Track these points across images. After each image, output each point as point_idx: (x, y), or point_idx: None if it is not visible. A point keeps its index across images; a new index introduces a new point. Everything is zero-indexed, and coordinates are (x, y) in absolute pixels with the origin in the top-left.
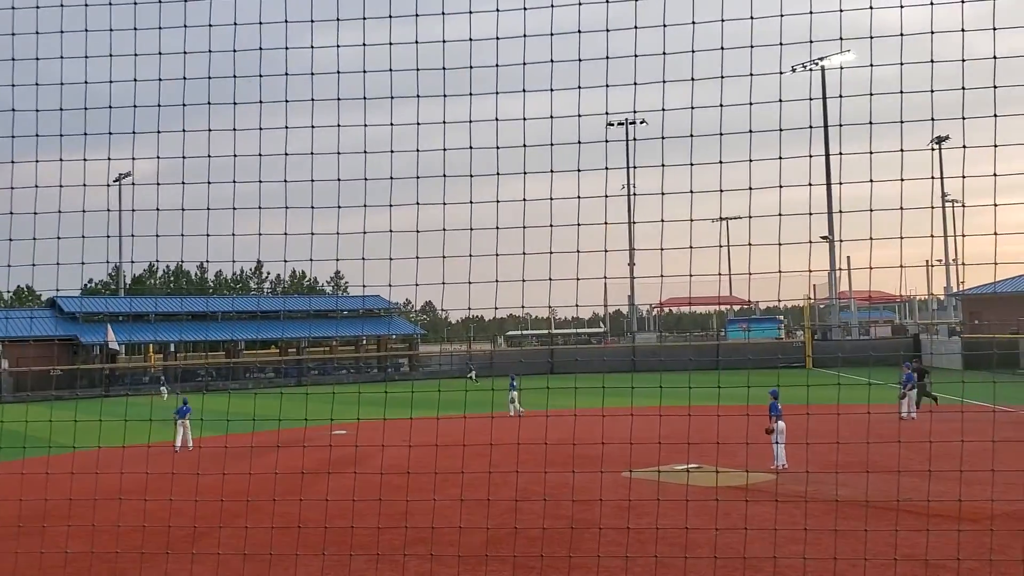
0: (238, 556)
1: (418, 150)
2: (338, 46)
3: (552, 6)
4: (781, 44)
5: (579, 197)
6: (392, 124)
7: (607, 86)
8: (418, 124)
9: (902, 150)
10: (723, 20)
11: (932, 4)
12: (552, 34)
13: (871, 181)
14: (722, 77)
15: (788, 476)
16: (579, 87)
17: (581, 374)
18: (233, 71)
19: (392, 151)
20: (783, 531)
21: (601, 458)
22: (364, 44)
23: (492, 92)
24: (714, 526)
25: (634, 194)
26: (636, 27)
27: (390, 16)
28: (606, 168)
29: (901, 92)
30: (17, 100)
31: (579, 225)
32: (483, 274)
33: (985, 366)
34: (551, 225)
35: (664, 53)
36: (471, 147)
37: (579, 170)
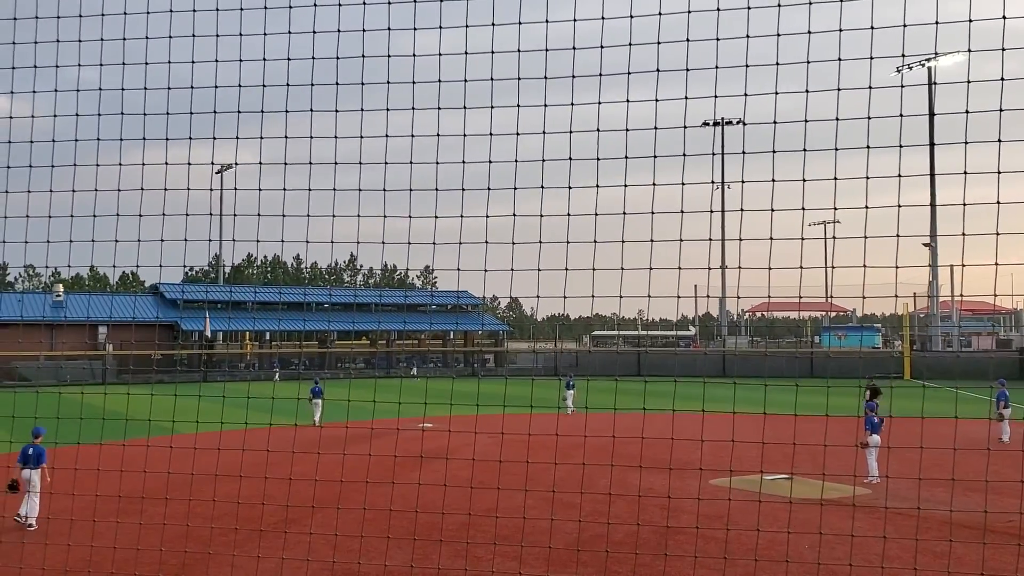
0: (328, 540)
1: (517, 140)
2: (440, 28)
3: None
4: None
5: (683, 184)
6: (492, 107)
7: (716, 79)
8: (519, 112)
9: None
10: (840, 30)
11: None
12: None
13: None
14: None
15: (890, 492)
16: (686, 79)
17: (670, 378)
18: (335, 59)
19: (492, 137)
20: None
21: (699, 462)
22: (466, 25)
23: (595, 75)
24: (815, 538)
25: (729, 186)
26: (749, 35)
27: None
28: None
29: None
30: (126, 102)
31: (682, 214)
32: (573, 275)
33: None
34: (652, 212)
35: (777, 64)
36: (571, 138)
37: (684, 156)
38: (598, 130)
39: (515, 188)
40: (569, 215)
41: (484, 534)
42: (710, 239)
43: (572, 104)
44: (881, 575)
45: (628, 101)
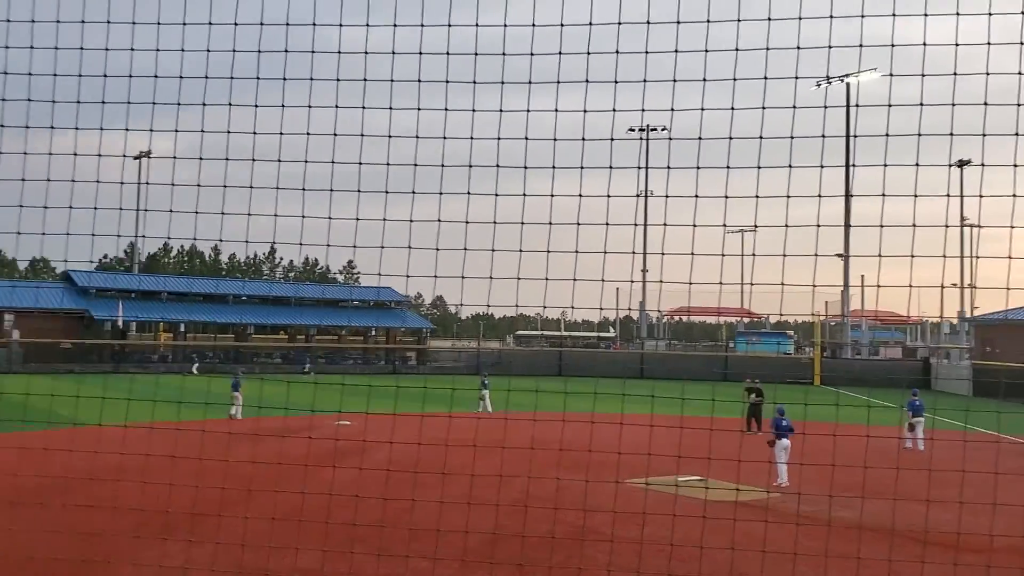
0: (236, 544)
1: (444, 137)
2: (368, 25)
3: (591, 24)
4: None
5: (608, 196)
6: (419, 109)
7: (644, 82)
8: (446, 110)
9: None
10: (767, 49)
11: (957, 15)
12: (592, 24)
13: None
14: (758, 82)
15: (791, 496)
16: (615, 81)
17: (590, 377)
18: (258, 46)
19: (417, 136)
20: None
21: (616, 464)
22: (395, 24)
23: (524, 81)
24: (700, 541)
25: (650, 195)
26: (677, 50)
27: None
28: (640, 167)
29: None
30: (35, 65)
31: (608, 224)
32: (498, 271)
33: (994, 394)
34: (577, 223)
35: (704, 80)
36: (498, 138)
37: (610, 167)
38: (526, 138)
39: (440, 193)
40: (495, 223)
41: (398, 533)
42: (633, 252)
43: (501, 111)
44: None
45: (556, 111)
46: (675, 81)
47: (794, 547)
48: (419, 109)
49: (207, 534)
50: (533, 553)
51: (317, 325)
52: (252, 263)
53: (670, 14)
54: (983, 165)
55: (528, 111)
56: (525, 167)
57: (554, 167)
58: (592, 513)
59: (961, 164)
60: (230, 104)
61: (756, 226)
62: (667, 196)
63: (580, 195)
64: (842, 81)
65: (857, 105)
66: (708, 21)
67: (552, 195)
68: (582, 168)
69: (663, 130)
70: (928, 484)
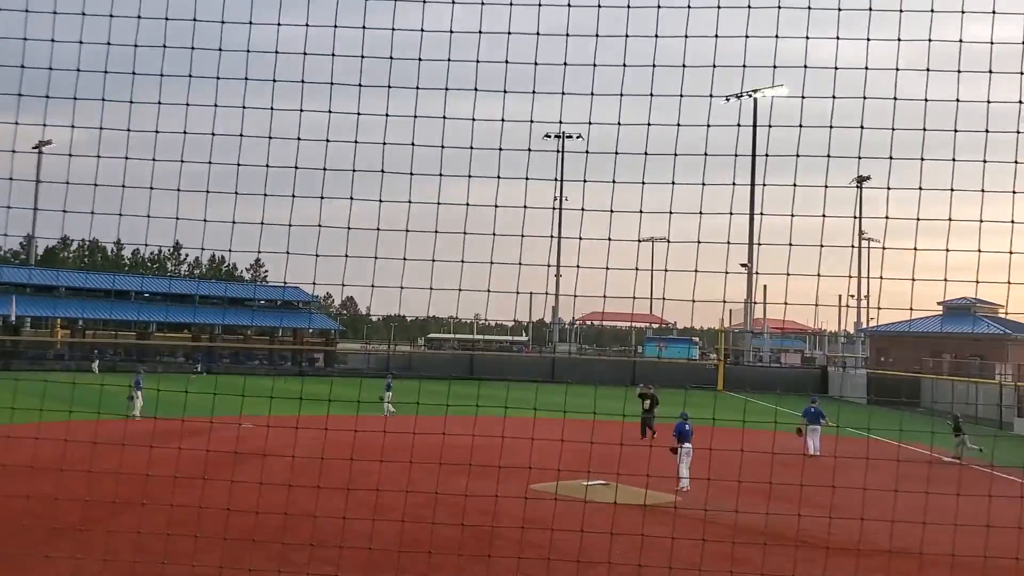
0: (129, 548)
1: (356, 141)
2: (279, 24)
3: (510, 34)
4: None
5: (524, 207)
6: (330, 112)
7: (562, 93)
8: (358, 114)
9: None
10: (686, 66)
11: (868, 40)
12: (509, 33)
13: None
14: (678, 95)
15: (692, 499)
16: (533, 91)
17: (501, 380)
18: (163, 40)
19: (328, 140)
20: (680, 547)
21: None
22: (307, 24)
23: (441, 88)
24: (608, 546)
25: (566, 206)
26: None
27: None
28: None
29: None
30: None
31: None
32: (409, 275)
33: (889, 402)
34: (494, 233)
35: (621, 95)
36: (413, 143)
37: (527, 178)
38: (442, 146)
39: (351, 199)
40: (407, 231)
41: (300, 537)
42: (548, 264)
43: (415, 116)
44: None
45: (473, 120)
46: (592, 95)
47: (701, 551)
48: (330, 112)
49: (96, 544)
50: (439, 560)
51: (222, 324)
52: (156, 259)
53: (589, 27)
54: (888, 188)
55: (444, 117)
56: (440, 174)
57: (470, 176)
58: (500, 519)
59: (860, 181)
60: (131, 101)
61: (668, 240)
62: (583, 209)
63: (496, 205)
64: (750, 96)
65: (769, 125)
66: (626, 36)
67: (467, 204)
68: (499, 178)
69: (579, 137)
70: (832, 492)
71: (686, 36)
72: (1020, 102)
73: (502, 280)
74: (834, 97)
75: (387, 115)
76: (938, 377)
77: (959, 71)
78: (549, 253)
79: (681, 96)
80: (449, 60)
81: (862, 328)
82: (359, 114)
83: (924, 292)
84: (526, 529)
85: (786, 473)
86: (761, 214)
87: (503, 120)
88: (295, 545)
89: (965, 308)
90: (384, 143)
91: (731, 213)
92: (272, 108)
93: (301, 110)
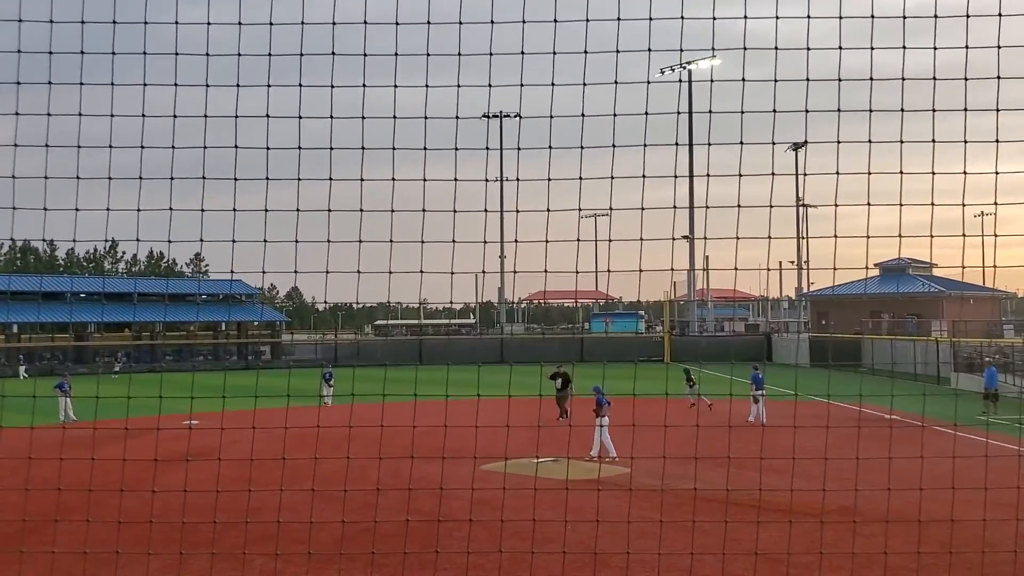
0: (68, 555)
1: (301, 117)
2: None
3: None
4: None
5: (455, 180)
6: (269, 85)
7: (489, 86)
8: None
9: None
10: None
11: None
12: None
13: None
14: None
15: (639, 469)
16: (458, 80)
17: (450, 365)
18: (81, 15)
19: (269, 116)
20: (635, 524)
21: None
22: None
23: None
24: (564, 519)
25: (506, 180)
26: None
27: None
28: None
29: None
30: None
31: (455, 211)
32: (351, 261)
33: (829, 365)
34: (423, 210)
35: (554, 56)
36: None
37: (456, 148)
38: (362, 118)
39: (267, 179)
40: (329, 211)
41: (238, 536)
42: (484, 241)
43: (331, 86)
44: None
45: (395, 87)
46: (522, 83)
47: (660, 517)
48: (238, 86)
49: (26, 550)
50: (386, 544)
51: (162, 321)
52: (92, 258)
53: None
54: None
55: (364, 86)
56: (363, 148)
57: (393, 148)
58: (447, 501)
59: (796, 147)
60: (49, 82)
61: (610, 208)
62: (519, 179)
63: (424, 179)
64: (684, 68)
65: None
66: (555, 21)
67: (393, 179)
68: (425, 149)
69: (515, 116)
70: (761, 453)
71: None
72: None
73: (445, 263)
74: (778, 80)
75: (300, 98)
76: (877, 337)
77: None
78: (486, 231)
79: (616, 78)
80: (366, 54)
81: (803, 293)
82: (301, 86)
83: (859, 254)
84: (474, 508)
85: (719, 439)
86: (707, 175)
87: (426, 117)
88: (234, 544)
89: (900, 269)
90: (299, 117)
91: (675, 176)
92: (206, 84)
93: (207, 85)
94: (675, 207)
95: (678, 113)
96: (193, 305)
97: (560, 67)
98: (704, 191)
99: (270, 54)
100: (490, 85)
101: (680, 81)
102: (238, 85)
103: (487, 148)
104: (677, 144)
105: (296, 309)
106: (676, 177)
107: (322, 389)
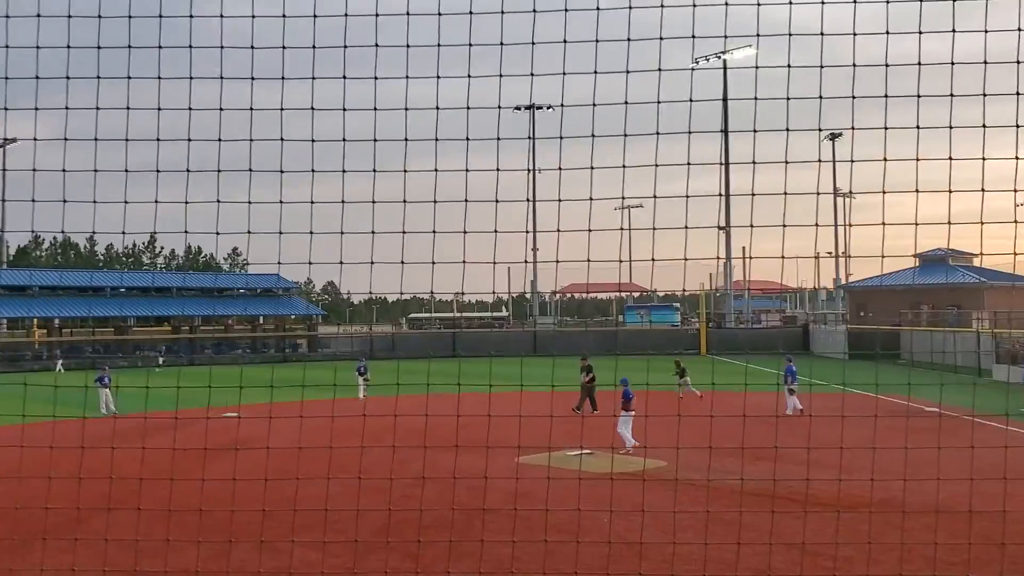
0: (113, 542)
1: (312, 107)
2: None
3: None
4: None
5: (498, 170)
6: (313, 82)
7: (531, 75)
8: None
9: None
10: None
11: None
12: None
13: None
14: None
15: (684, 463)
16: (500, 72)
17: (485, 357)
18: (128, 11)
19: (314, 111)
20: (677, 516)
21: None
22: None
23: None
24: (608, 510)
25: (539, 171)
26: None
27: None
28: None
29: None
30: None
31: (497, 201)
32: (387, 255)
33: (869, 356)
34: (465, 200)
35: (600, 41)
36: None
37: (497, 138)
38: (405, 110)
39: (312, 171)
40: (374, 202)
41: (283, 525)
42: (526, 231)
43: (376, 79)
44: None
45: (437, 108)
46: (564, 73)
47: (706, 512)
48: (313, 80)
49: (80, 537)
50: (429, 534)
51: (202, 315)
52: (131, 253)
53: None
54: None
55: (408, 78)
56: (406, 139)
57: (436, 139)
58: (489, 492)
59: (833, 136)
60: (98, 77)
61: (655, 196)
62: (560, 168)
63: (466, 169)
64: (719, 57)
65: (755, 95)
66: (597, 8)
67: (436, 170)
68: (467, 139)
69: (549, 108)
70: (808, 446)
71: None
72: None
73: (479, 256)
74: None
75: (344, 100)
76: (916, 328)
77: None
78: (526, 223)
79: (660, 65)
80: (409, 45)
81: (841, 284)
82: (314, 79)
83: (899, 244)
84: (517, 499)
85: (761, 432)
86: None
87: (468, 108)
88: (278, 533)
89: (940, 259)
90: (343, 109)
91: (721, 163)
92: (252, 78)
93: (252, 78)
94: (721, 194)
95: (723, 99)
96: (232, 299)
97: (586, 58)
98: (740, 182)
99: (313, 46)
100: (532, 74)
101: (724, 68)
102: (283, 78)
103: (531, 137)
104: (725, 131)
105: (332, 303)
106: (722, 164)
107: (357, 381)
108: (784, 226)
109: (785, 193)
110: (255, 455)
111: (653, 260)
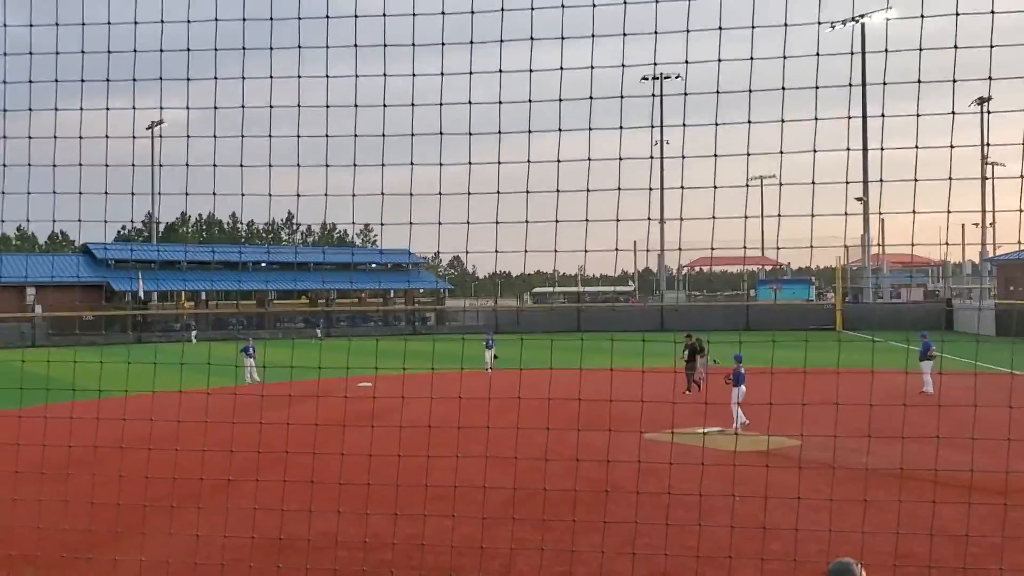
0: (251, 510)
1: (440, 104)
2: None
3: None
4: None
5: (620, 156)
6: (442, 73)
7: (655, 33)
8: (442, 74)
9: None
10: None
11: None
12: None
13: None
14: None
15: (810, 443)
16: (623, 33)
17: (609, 332)
18: (270, 14)
19: (441, 103)
20: (805, 500)
21: (640, 418)
22: None
23: (526, 38)
24: (732, 491)
25: (666, 144)
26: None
27: None
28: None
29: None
30: (36, 42)
31: (619, 189)
32: (513, 231)
33: (1018, 333)
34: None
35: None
36: (499, 101)
37: (621, 127)
38: (529, 101)
39: (440, 164)
40: (498, 192)
41: (416, 493)
42: (650, 188)
43: (500, 71)
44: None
45: (561, 68)
46: (688, 31)
47: (830, 493)
48: (413, 75)
49: (222, 503)
50: (555, 509)
51: (337, 289)
52: (271, 229)
53: None
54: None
55: (531, 70)
56: (529, 131)
57: (560, 130)
58: (614, 468)
59: (981, 102)
60: (243, 77)
61: (781, 183)
62: (683, 156)
63: (589, 159)
64: (857, 22)
65: (885, 50)
66: None
67: (559, 160)
68: (590, 129)
69: (677, 78)
70: (938, 424)
71: None
72: None
73: (602, 233)
74: (957, 14)
75: (471, 72)
76: None
77: None
78: (650, 204)
79: (786, 25)
80: (532, 8)
81: (988, 258)
82: (442, 74)
83: None
84: (641, 478)
85: (895, 414)
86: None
87: (592, 67)
88: (412, 497)
89: None
90: (469, 102)
91: (848, 149)
92: (356, 75)
93: (385, 75)
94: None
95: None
96: (364, 273)
97: (710, 30)
98: (884, 154)
99: (442, 41)
100: (657, 40)
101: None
102: (384, 75)
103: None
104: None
105: (458, 277)
106: (848, 149)
107: (485, 355)
108: (949, 204)
109: (916, 150)
110: (389, 430)
111: (778, 247)
